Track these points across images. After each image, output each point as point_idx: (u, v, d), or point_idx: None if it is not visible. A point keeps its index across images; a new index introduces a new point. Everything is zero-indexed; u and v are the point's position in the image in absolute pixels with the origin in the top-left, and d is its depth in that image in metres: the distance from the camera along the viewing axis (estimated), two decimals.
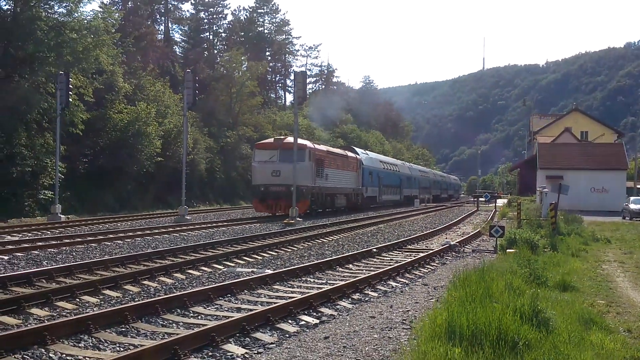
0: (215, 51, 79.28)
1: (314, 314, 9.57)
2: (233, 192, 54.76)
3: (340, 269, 14.55)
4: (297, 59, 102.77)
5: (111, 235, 20.57)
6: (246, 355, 7.31)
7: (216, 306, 10.05)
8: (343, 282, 11.71)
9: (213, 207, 46.79)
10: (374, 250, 17.62)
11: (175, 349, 6.97)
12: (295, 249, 18.87)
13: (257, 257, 16.62)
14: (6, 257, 14.93)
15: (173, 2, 74.10)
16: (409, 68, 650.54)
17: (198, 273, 13.59)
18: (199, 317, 9.29)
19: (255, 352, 7.47)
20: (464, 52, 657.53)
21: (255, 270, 14.07)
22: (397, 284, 12.71)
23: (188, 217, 29.37)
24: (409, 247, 19.91)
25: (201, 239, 20.51)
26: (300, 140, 35.14)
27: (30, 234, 21.37)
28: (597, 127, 69.92)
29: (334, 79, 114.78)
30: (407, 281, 13.19)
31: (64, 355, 7.09)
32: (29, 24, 31.28)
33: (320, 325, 8.89)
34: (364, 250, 17.56)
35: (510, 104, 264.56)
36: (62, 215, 28.50)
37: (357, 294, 11.32)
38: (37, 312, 9.25)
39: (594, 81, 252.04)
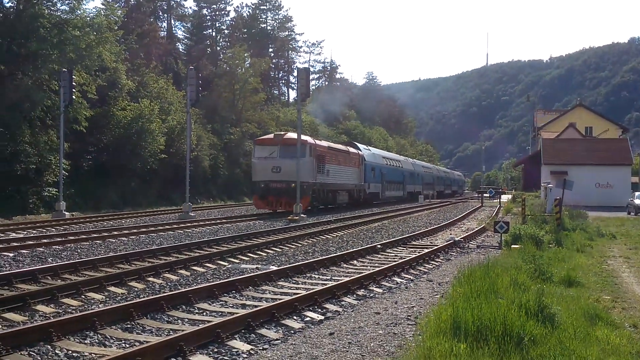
0: (218, 48, 79.32)
1: (319, 310, 9.57)
2: (237, 188, 54.78)
3: (345, 265, 14.55)
4: (300, 56, 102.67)
5: (115, 232, 20.62)
6: (251, 352, 7.32)
7: (221, 302, 10.06)
8: (348, 279, 11.71)
9: (217, 204, 46.84)
10: (379, 246, 17.61)
11: (180, 346, 6.98)
12: (300, 245, 18.87)
13: (261, 253, 16.63)
14: (11, 254, 14.97)
15: None
16: (412, 64, 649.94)
17: (203, 269, 13.61)
18: (204, 313, 9.30)
19: (261, 348, 7.48)
20: (468, 48, 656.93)
21: (259, 266, 14.08)
22: (401, 280, 12.70)
23: (192, 214, 29.38)
24: (414, 243, 19.90)
25: (205, 235, 20.53)
26: (301, 136, 35.09)
27: (34, 231, 21.42)
28: (602, 123, 69.74)
29: (337, 75, 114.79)
30: (411, 277, 13.18)
31: (70, 351, 7.11)
32: (31, 22, 31.31)
33: (325, 322, 8.89)
34: (368, 246, 17.56)
35: (514, 100, 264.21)
36: (66, 212, 28.56)
37: (361, 290, 11.32)
38: (43, 308, 9.27)
39: (598, 76, 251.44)
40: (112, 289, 11.00)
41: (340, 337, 7.95)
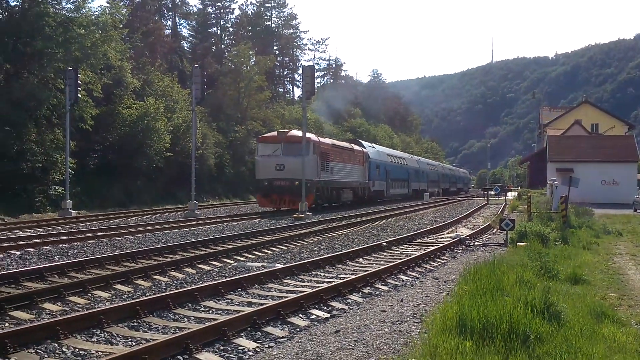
0: (223, 46, 79.30)
1: (325, 308, 9.58)
2: (242, 186, 54.80)
3: (351, 263, 14.55)
4: (304, 53, 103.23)
5: (122, 230, 20.67)
6: (257, 350, 7.33)
7: (227, 300, 10.08)
8: (353, 276, 11.71)
9: (222, 202, 46.91)
10: (384, 244, 17.61)
11: (186, 343, 7.00)
12: (305, 243, 18.89)
13: (267, 251, 16.65)
14: (18, 253, 15.04)
15: None
16: (417, 61, 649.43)
17: (208, 267, 13.63)
18: (210, 311, 9.32)
19: (267, 346, 7.49)
20: (473, 45, 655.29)
21: (265, 264, 14.10)
22: (407, 278, 12.70)
23: (198, 212, 29.43)
24: (419, 240, 19.88)
25: (211, 233, 20.57)
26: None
27: (41, 230, 21.49)
28: (608, 119, 69.48)
29: (342, 73, 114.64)
30: (417, 275, 13.18)
31: (77, 349, 7.14)
32: (37, 20, 31.41)
33: (331, 319, 8.89)
34: (374, 244, 17.54)
35: (520, 97, 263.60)
36: (72, 211, 28.65)
37: (367, 287, 11.32)
38: (50, 307, 9.31)
39: (603, 73, 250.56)
40: (119, 286, 11.03)
41: (346, 334, 7.95)
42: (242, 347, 7.37)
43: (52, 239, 17.86)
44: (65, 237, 18.25)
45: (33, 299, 9.33)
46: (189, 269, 13.22)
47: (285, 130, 36.68)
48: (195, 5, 78.53)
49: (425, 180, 64.96)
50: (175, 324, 8.42)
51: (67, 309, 9.30)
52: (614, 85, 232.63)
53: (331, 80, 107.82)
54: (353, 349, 7.25)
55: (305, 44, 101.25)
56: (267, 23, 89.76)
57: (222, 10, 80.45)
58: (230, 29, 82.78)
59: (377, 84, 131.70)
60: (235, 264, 14.30)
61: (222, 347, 7.33)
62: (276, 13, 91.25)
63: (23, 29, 31.67)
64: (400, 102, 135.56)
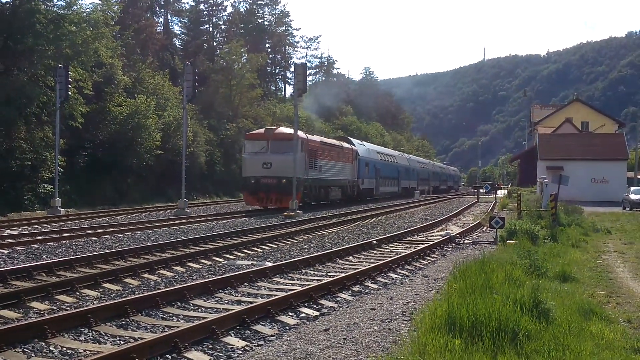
0: (215, 43, 79.08)
1: (314, 306, 9.58)
2: (233, 184, 54.64)
3: (341, 261, 14.56)
4: (297, 51, 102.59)
5: (111, 229, 20.58)
6: (246, 348, 7.32)
7: (216, 299, 10.06)
8: (343, 274, 11.71)
9: (213, 200, 46.77)
10: (374, 242, 17.63)
11: (175, 342, 6.98)
12: (295, 241, 18.87)
13: (257, 249, 16.63)
14: (6, 251, 14.95)
15: None
16: (409, 59, 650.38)
17: (198, 266, 13.60)
18: (199, 309, 9.30)
19: (256, 344, 7.48)
20: (465, 43, 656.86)
21: (255, 262, 14.08)
22: (397, 276, 12.72)
23: (188, 210, 29.35)
24: (409, 238, 19.92)
25: (201, 231, 20.52)
26: (291, 131, 34.75)
27: (30, 228, 21.39)
28: (598, 118, 69.86)
29: (334, 71, 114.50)
30: (407, 273, 13.19)
31: (65, 348, 7.11)
32: (28, 17, 31.21)
33: (321, 318, 8.89)
34: (364, 242, 17.57)
35: (511, 95, 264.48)
36: (61, 209, 28.49)
37: (357, 286, 11.33)
38: (38, 305, 9.26)
39: (595, 71, 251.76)
40: (107, 285, 10.99)
41: (335, 333, 7.95)
42: (231, 346, 7.35)
43: (40, 237, 17.76)
44: (54, 236, 18.17)
45: (21, 297, 9.28)
46: (178, 268, 13.18)
47: (273, 127, 36.25)
48: (187, 3, 78.16)
49: (415, 178, 64.95)
50: (164, 323, 8.39)
51: (55, 308, 9.25)
52: (605, 84, 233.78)
53: (323, 78, 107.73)
54: (342, 347, 7.26)
55: (298, 42, 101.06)
56: (260, 20, 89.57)
57: (214, 8, 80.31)
58: (222, 27, 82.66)
59: (369, 82, 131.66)
60: (224, 262, 14.27)
61: (211, 346, 7.31)
62: (268, 10, 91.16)
63: (13, 25, 31.46)
64: (392, 99, 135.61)
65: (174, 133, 44.08)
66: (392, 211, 34.16)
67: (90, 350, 7.03)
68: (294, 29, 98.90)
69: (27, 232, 19.69)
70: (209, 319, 7.92)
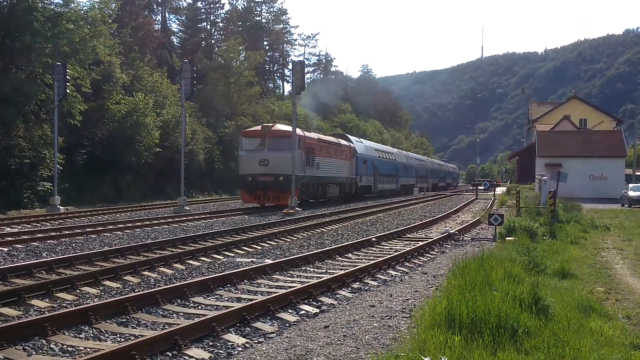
0: (213, 41, 79.01)
1: (314, 303, 9.59)
2: (232, 182, 54.62)
3: (340, 258, 14.57)
4: (295, 49, 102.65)
5: (110, 226, 20.59)
6: (247, 345, 7.33)
7: (216, 296, 10.07)
8: (343, 272, 11.73)
9: (212, 198, 46.78)
10: (374, 239, 17.64)
11: (175, 339, 6.99)
12: (295, 238, 18.88)
13: (256, 247, 16.64)
14: (6, 249, 14.95)
15: None
16: (407, 56, 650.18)
17: (198, 263, 13.61)
18: (199, 307, 9.31)
19: (256, 341, 7.50)
20: (463, 40, 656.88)
21: (255, 260, 14.09)
22: (396, 273, 12.73)
23: (187, 208, 29.33)
24: (408, 235, 19.94)
25: (200, 229, 20.53)
26: (289, 128, 34.49)
27: (29, 226, 21.37)
28: (596, 115, 69.86)
29: (332, 68, 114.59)
30: (406, 270, 13.21)
31: (65, 346, 7.11)
32: (25, 15, 31.13)
33: (320, 315, 8.91)
34: (363, 239, 17.57)
35: (509, 92, 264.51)
36: (61, 207, 28.48)
37: (356, 283, 11.34)
38: (38, 303, 9.27)
39: (592, 68, 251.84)
40: (107, 283, 11.00)
41: (335, 330, 7.97)
42: (231, 343, 7.37)
43: (40, 235, 17.77)
44: (53, 234, 18.17)
45: (21, 295, 9.28)
46: (178, 265, 13.19)
47: (270, 124, 35.88)
48: (184, 0, 78.00)
49: (413, 175, 64.86)
50: (164, 320, 8.40)
51: (56, 306, 9.26)
52: (603, 81, 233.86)
53: (321, 76, 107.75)
54: (342, 344, 7.27)
55: (296, 39, 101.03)
56: (257, 18, 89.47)
57: (211, 5, 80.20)
58: (220, 24, 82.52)
59: (367, 80, 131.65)
60: (224, 259, 14.27)
61: (211, 343, 7.33)
62: (266, 8, 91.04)
63: (11, 23, 31.40)
64: (390, 97, 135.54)
65: (172, 131, 44.06)
66: (391, 208, 34.16)
67: (90, 348, 7.05)
68: (291, 26, 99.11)
69: (26, 230, 19.68)
70: (209, 316, 7.93)
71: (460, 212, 32.59)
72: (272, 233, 18.99)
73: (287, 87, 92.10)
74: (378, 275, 12.24)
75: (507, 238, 17.23)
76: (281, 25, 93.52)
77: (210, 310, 8.96)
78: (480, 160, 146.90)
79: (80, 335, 7.56)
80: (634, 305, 9.42)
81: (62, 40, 31.96)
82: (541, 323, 7.40)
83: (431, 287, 10.97)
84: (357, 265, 12.71)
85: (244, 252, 15.68)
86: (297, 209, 28.72)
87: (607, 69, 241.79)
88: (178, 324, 7.77)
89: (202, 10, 79.84)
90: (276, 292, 9.82)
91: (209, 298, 9.90)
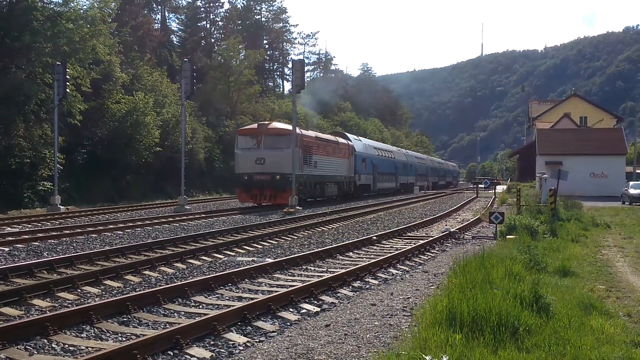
0: (213, 40, 79.03)
1: (315, 302, 9.59)
2: (232, 181, 54.56)
3: (341, 257, 14.58)
4: (294, 47, 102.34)
5: (111, 226, 20.60)
6: (248, 344, 7.34)
7: (217, 295, 10.07)
8: (343, 270, 11.73)
9: (212, 197, 46.80)
10: (374, 237, 17.65)
11: (177, 339, 7.00)
12: (296, 237, 18.88)
13: (257, 246, 16.64)
14: (7, 249, 14.96)
15: None
16: (408, 55, 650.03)
17: (199, 262, 13.61)
18: (200, 306, 9.31)
19: (257, 340, 7.50)
20: (463, 38, 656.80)
21: (255, 259, 14.10)
22: (397, 272, 12.74)
23: (188, 207, 29.33)
24: (409, 234, 19.95)
25: (201, 228, 20.53)
26: (285, 126, 34.35)
27: (30, 226, 21.38)
28: (596, 112, 69.84)
29: (332, 67, 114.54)
30: (407, 268, 13.22)
31: (67, 345, 7.12)
32: (24, 14, 31.13)
33: (322, 313, 8.91)
34: (364, 238, 17.58)
35: (509, 90, 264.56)
36: (61, 206, 28.48)
37: (357, 281, 11.35)
38: (39, 303, 9.27)
39: (592, 66, 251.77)
40: (108, 282, 11.00)
41: (336, 328, 7.97)
42: (232, 342, 7.37)
43: (41, 234, 17.79)
44: (54, 233, 18.18)
45: (22, 295, 9.29)
46: (179, 264, 13.20)
47: (266, 122, 35.52)
48: None
49: (413, 173, 64.69)
50: (165, 319, 8.41)
51: (57, 305, 9.27)
52: (603, 79, 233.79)
53: (321, 74, 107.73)
54: (343, 343, 7.27)
55: (295, 38, 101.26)
56: (257, 17, 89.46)
57: (211, 4, 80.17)
58: (220, 23, 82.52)
59: (367, 78, 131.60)
60: (225, 258, 14.28)
61: (212, 342, 7.33)
62: (266, 7, 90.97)
63: (10, 23, 31.39)
64: (390, 95, 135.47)
65: (172, 130, 44.04)
66: (391, 207, 34.17)
67: (92, 347, 7.05)
68: (291, 25, 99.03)
69: (27, 229, 19.68)
70: (210, 316, 7.93)
71: (460, 211, 32.59)
72: (272, 232, 18.99)
73: (287, 86, 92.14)
74: (379, 274, 12.24)
75: (507, 236, 17.22)
76: (281, 24, 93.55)
77: (212, 310, 8.96)
78: (481, 159, 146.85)
79: (82, 335, 7.56)
80: (634, 303, 9.42)
81: (62, 39, 31.96)
82: (542, 321, 7.40)
83: (432, 286, 10.98)
84: (358, 264, 12.71)
85: (244, 251, 15.69)
86: (298, 207, 28.66)
87: (607, 67, 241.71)
88: (179, 323, 7.78)
89: (202, 9, 79.87)
90: (277, 291, 9.83)
91: (210, 297, 9.91)
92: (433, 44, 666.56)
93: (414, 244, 16.54)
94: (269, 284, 11.17)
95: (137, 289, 10.46)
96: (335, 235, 19.43)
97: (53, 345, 7.08)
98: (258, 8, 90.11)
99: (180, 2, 77.09)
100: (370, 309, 9.10)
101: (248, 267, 12.06)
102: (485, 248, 12.95)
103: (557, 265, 11.90)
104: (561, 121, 62.34)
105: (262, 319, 8.41)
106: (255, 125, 34.61)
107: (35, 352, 6.84)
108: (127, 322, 8.21)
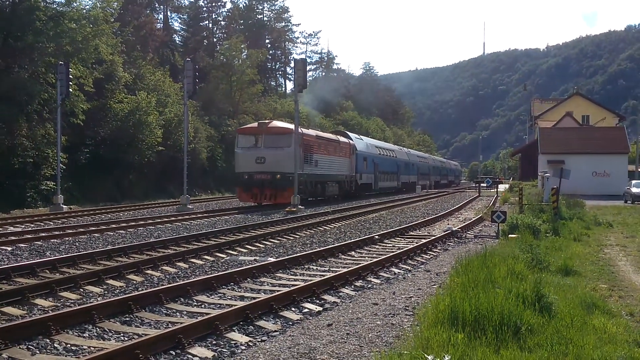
0: (215, 39, 79.01)
1: (317, 301, 9.60)
2: (234, 180, 54.56)
3: (343, 256, 14.58)
4: (296, 47, 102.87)
5: (114, 225, 20.63)
6: (250, 343, 7.34)
7: (219, 295, 10.08)
8: (346, 270, 11.73)
9: (215, 196, 46.81)
10: (376, 237, 17.64)
11: (179, 338, 7.01)
12: (298, 236, 18.88)
13: (259, 245, 16.65)
14: (9, 248, 14.98)
15: None
16: (409, 54, 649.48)
17: (201, 262, 13.62)
18: (203, 305, 9.32)
19: (259, 339, 7.51)
20: (465, 37, 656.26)
21: (258, 258, 14.10)
22: (399, 271, 12.74)
23: (190, 206, 29.32)
24: (411, 233, 19.93)
25: (203, 227, 20.54)
26: (285, 124, 34.20)
27: (33, 225, 21.41)
28: (598, 111, 69.75)
29: (334, 66, 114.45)
30: (409, 267, 13.21)
31: (69, 345, 7.13)
32: (27, 14, 31.18)
33: (324, 313, 8.91)
34: (366, 237, 17.57)
35: (511, 89, 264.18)
36: (64, 206, 28.50)
37: (359, 281, 11.35)
38: (41, 302, 9.29)
39: (594, 65, 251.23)
40: (111, 282, 11.01)
41: (338, 328, 7.98)
42: (234, 341, 7.38)
43: (43, 234, 17.81)
44: (56, 233, 18.21)
45: (25, 294, 9.31)
46: (181, 264, 13.21)
47: (266, 121, 35.27)
48: None
49: (415, 172, 64.53)
50: (167, 319, 8.42)
51: (59, 305, 9.28)
52: (605, 77, 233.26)
53: (323, 74, 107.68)
54: (345, 342, 7.28)
55: (297, 37, 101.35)
56: (259, 16, 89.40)
57: (213, 4, 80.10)
58: (222, 23, 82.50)
59: (369, 77, 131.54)
60: (227, 258, 14.29)
61: (214, 342, 7.34)
62: (268, 6, 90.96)
63: (13, 23, 31.44)
64: (392, 94, 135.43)
65: (175, 129, 44.05)
66: (393, 206, 34.15)
67: (94, 347, 7.06)
68: (293, 24, 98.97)
69: (30, 229, 19.71)
70: (212, 315, 7.94)
71: (462, 210, 32.57)
72: (274, 231, 18.99)
73: (289, 85, 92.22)
74: (381, 273, 12.24)
75: (509, 235, 17.20)
76: (283, 23, 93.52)
77: (214, 309, 8.96)
78: (483, 158, 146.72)
79: (84, 334, 7.58)
80: (637, 302, 9.41)
81: (65, 39, 31.99)
82: (544, 320, 7.39)
83: (434, 285, 10.97)
84: (360, 263, 12.71)
85: (247, 250, 15.69)
86: (300, 207, 28.63)
87: (609, 65, 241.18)
88: (181, 323, 7.79)
89: (204, 8, 79.82)
90: (279, 291, 9.84)
91: (212, 296, 9.92)
92: (435, 43, 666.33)
93: (416, 243, 16.55)
94: (271, 283, 11.18)
95: (140, 289, 10.48)
96: (337, 235, 19.43)
97: (55, 345, 7.09)
98: (260, 7, 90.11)
99: (182, 1, 77.12)
100: (373, 309, 9.10)
101: (250, 266, 12.07)
102: (488, 247, 12.93)
103: (559, 264, 11.90)
104: (563, 120, 62.26)
105: (264, 318, 8.42)
106: (255, 124, 34.40)
107: (38, 352, 6.85)
108: (130, 322, 8.22)
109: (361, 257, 14.58)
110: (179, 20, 78.17)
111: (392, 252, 14.70)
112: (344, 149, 40.82)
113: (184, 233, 18.41)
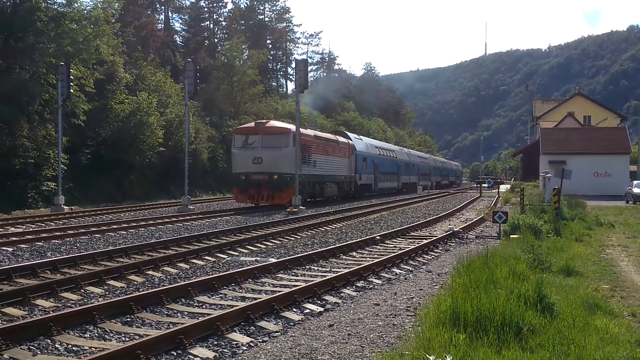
0: (216, 40, 79.06)
1: (319, 302, 9.58)
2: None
3: (344, 257, 14.56)
4: (298, 47, 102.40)
5: (115, 226, 20.62)
6: (251, 344, 7.33)
7: (220, 295, 10.07)
8: (347, 270, 11.71)
9: (216, 197, 46.81)
10: (378, 237, 17.62)
11: (180, 339, 7.00)
12: (299, 237, 18.87)
13: (260, 245, 16.64)
14: (10, 249, 14.98)
15: None
16: (411, 54, 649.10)
17: (202, 262, 13.61)
18: (204, 306, 9.31)
19: (260, 340, 7.50)
20: (466, 38, 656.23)
21: (259, 259, 14.09)
22: (401, 271, 12.72)
23: (191, 207, 29.32)
24: (412, 234, 19.91)
25: (204, 228, 20.54)
26: (283, 124, 34.11)
27: (33, 226, 21.41)
28: (600, 111, 69.72)
29: (335, 67, 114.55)
30: (410, 268, 13.20)
31: (70, 345, 7.12)
32: (28, 15, 31.21)
33: (325, 313, 8.90)
34: (367, 237, 17.54)
35: (513, 89, 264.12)
36: (65, 207, 28.52)
37: (361, 281, 11.33)
38: (42, 303, 9.28)
39: (596, 65, 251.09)
40: (112, 282, 11.01)
41: (339, 328, 7.96)
42: (235, 342, 7.36)
43: (44, 235, 17.81)
44: (57, 233, 18.21)
45: (26, 295, 9.30)
46: (182, 264, 13.20)
47: (264, 121, 34.83)
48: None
49: (415, 173, 64.33)
50: (168, 320, 8.41)
51: (60, 305, 9.28)
52: (607, 77, 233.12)
53: (324, 74, 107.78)
54: (347, 343, 7.27)
55: (299, 38, 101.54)
56: (260, 17, 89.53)
57: (214, 4, 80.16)
58: (223, 23, 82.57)
59: (371, 78, 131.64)
60: (228, 258, 14.28)
61: (215, 342, 7.33)
62: (269, 7, 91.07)
63: (14, 23, 31.47)
64: (393, 95, 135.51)
65: (176, 130, 44.06)
66: (394, 207, 34.12)
67: (95, 348, 7.05)
68: (294, 25, 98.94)
69: (31, 229, 19.72)
70: (213, 316, 7.93)
71: (464, 210, 32.55)
72: (275, 232, 18.98)
73: (290, 86, 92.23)
74: (382, 274, 12.23)
75: (511, 236, 17.20)
76: (284, 24, 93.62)
77: (215, 310, 8.95)
78: (484, 158, 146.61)
79: (85, 335, 7.57)
80: (639, 303, 9.39)
81: (66, 40, 32.02)
82: (546, 321, 7.38)
83: (435, 286, 10.96)
84: (362, 264, 12.69)
85: (248, 251, 15.68)
86: (301, 207, 28.56)
87: (611, 66, 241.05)
88: (182, 323, 7.78)
89: (205, 9, 79.87)
90: (280, 291, 9.82)
91: (214, 297, 9.91)
92: (436, 43, 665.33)
93: (418, 243, 16.52)
94: (272, 283, 11.17)
95: (141, 289, 10.47)
96: (338, 235, 19.42)
97: (56, 346, 7.09)
98: (261, 8, 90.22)
99: (183, 2, 77.22)
100: (374, 309, 9.09)
101: (251, 267, 12.06)
102: (489, 247, 12.91)
103: (561, 264, 11.88)
104: (565, 120, 62.24)
105: (265, 319, 8.41)
106: (252, 124, 33.95)
107: (39, 352, 6.85)
108: (131, 322, 8.21)
109: (362, 257, 14.57)
110: (180, 21, 78.41)
111: (394, 252, 14.68)
112: (343, 149, 40.49)
113: (185, 234, 18.40)
